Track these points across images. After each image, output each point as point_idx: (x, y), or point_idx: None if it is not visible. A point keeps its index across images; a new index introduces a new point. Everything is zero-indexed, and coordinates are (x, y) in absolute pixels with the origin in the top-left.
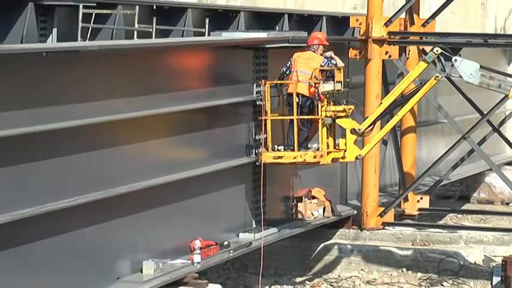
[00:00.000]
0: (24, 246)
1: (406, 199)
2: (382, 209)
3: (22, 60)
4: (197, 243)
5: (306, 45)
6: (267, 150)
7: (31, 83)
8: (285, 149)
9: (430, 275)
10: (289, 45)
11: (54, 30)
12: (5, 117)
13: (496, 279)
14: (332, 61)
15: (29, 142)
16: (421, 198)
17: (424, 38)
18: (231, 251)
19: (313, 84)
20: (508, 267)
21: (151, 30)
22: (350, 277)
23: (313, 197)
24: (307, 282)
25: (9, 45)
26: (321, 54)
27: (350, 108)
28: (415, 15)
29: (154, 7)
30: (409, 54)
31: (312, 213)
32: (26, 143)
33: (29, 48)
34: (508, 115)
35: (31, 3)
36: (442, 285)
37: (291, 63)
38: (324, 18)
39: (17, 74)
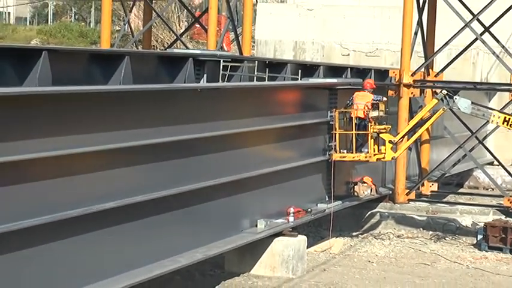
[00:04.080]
0: (187, 209)
1: (422, 184)
2: (407, 190)
3: (185, 94)
4: (291, 209)
5: (361, 87)
6: (336, 152)
7: (191, 108)
8: (347, 152)
9: (437, 232)
10: (351, 87)
11: (205, 75)
12: (177, 129)
13: (480, 236)
14: (379, 97)
15: (191, 144)
16: (432, 184)
17: (435, 84)
18: (312, 215)
19: (366, 112)
20: (487, 229)
21: (265, 76)
22: (386, 233)
23: (364, 182)
24: (359, 235)
25: (177, 84)
26: (371, 93)
27: (388, 127)
28: (430, 70)
29: (267, 62)
30: (426, 94)
31: (363, 192)
32: (190, 145)
33: (189, 86)
34: (488, 133)
35: (191, 59)
36: (445, 239)
37: (352, 98)
38: (373, 70)
39: (182, 102)
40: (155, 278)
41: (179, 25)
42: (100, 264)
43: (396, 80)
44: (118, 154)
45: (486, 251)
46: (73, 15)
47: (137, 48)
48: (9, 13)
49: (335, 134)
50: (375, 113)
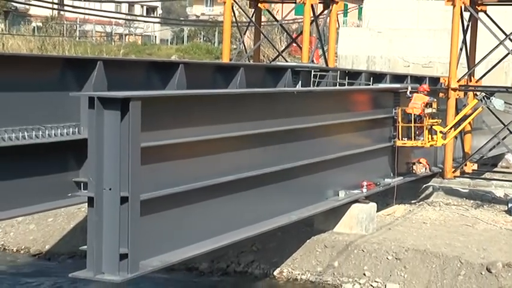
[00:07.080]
0: (286, 181)
1: (465, 164)
2: (454, 169)
3: (285, 95)
4: (364, 183)
5: (418, 90)
6: (399, 139)
7: (290, 106)
8: (407, 139)
9: (477, 201)
10: (411, 90)
11: (300, 82)
12: (279, 122)
13: (510, 205)
14: (431, 98)
15: (289, 133)
16: (473, 164)
17: (476, 88)
18: (381, 187)
19: (422, 109)
20: None
21: (345, 82)
22: (437, 201)
23: (420, 162)
24: (416, 203)
25: (279, 89)
26: (426, 95)
27: (439, 121)
28: (472, 77)
29: (347, 71)
30: (468, 95)
31: (420, 170)
32: (288, 134)
33: (288, 90)
34: None
35: (289, 69)
36: (483, 206)
37: (411, 98)
38: (427, 78)
39: (282, 102)
40: (262, 233)
41: (280, 44)
42: (226, 221)
43: (445, 85)
44: (235, 140)
45: None
46: (202, 37)
47: (249, 62)
48: (155, 36)
49: (398, 126)
50: (429, 110)
